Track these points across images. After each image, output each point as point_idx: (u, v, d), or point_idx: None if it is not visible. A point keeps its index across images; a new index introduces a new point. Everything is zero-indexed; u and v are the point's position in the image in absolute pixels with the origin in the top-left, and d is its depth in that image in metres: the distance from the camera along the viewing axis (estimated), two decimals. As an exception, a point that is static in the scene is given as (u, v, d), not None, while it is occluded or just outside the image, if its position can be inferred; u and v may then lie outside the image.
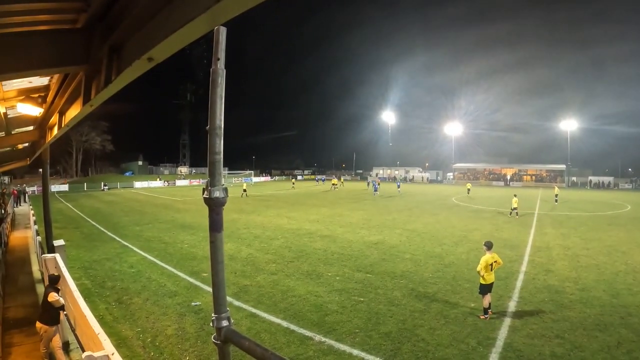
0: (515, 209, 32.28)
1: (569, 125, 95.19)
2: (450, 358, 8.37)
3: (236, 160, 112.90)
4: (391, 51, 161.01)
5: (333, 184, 67.89)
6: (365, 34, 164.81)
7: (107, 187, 69.68)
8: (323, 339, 9.20)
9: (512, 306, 11.44)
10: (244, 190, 52.09)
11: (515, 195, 34.13)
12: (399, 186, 63.17)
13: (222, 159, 2.82)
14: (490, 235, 22.74)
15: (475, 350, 8.71)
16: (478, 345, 8.97)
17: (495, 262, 10.83)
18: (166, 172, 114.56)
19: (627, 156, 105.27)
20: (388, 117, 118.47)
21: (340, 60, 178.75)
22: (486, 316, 10.46)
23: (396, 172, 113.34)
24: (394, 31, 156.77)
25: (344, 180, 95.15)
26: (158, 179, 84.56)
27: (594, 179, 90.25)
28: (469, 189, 59.46)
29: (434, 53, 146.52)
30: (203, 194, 2.78)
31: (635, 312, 11.05)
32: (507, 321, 10.35)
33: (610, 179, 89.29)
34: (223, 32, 2.75)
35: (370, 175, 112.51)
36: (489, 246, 11.12)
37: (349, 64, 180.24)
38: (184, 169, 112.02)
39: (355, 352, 8.61)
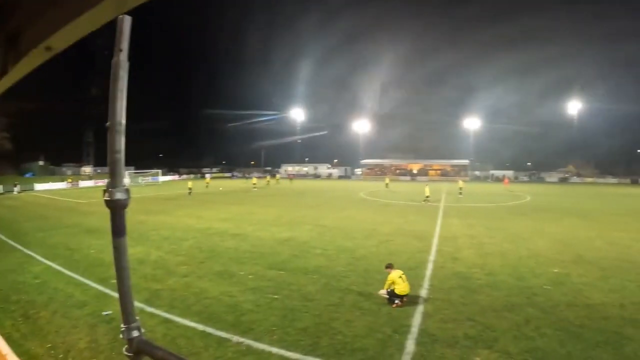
0: (428, 197, 37.71)
1: (472, 123, 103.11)
2: (369, 348, 8.59)
3: (142, 159, 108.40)
4: (297, 48, 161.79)
5: (253, 184, 64.23)
6: (266, 27, 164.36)
7: (17, 188, 63.12)
8: (241, 340, 9.08)
9: (423, 294, 11.99)
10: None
11: (427, 185, 41.02)
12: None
13: (123, 158, 2.68)
14: (399, 227, 23.83)
15: (391, 338, 9.03)
16: (394, 333, 9.31)
17: (403, 274, 11.26)
18: (69, 172, 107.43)
19: (526, 151, 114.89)
20: (296, 114, 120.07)
21: (248, 56, 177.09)
22: (398, 302, 10.87)
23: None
24: (307, 25, 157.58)
25: (279, 178, 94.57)
26: (69, 180, 78.62)
27: (496, 172, 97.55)
28: (387, 184, 62.94)
29: (340, 45, 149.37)
30: (104, 196, 2.64)
31: (540, 292, 12.07)
32: (420, 308, 10.84)
33: (511, 172, 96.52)
34: (127, 21, 2.62)
35: (278, 172, 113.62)
36: (390, 267, 11.66)
37: (255, 61, 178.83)
38: (87, 169, 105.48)
39: (274, 350, 8.59)
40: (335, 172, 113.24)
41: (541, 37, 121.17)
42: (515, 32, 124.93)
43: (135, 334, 2.67)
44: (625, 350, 8.37)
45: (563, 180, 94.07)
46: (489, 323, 9.74)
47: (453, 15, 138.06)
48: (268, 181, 72.95)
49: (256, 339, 9.10)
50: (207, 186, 64.14)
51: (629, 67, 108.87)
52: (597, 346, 8.55)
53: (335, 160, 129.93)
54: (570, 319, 10.02)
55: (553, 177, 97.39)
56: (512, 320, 9.93)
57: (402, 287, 10.93)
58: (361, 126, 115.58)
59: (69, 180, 79.27)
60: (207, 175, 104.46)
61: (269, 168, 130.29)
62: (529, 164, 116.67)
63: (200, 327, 9.83)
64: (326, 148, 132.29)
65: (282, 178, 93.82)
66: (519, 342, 8.77)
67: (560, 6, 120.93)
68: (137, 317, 2.62)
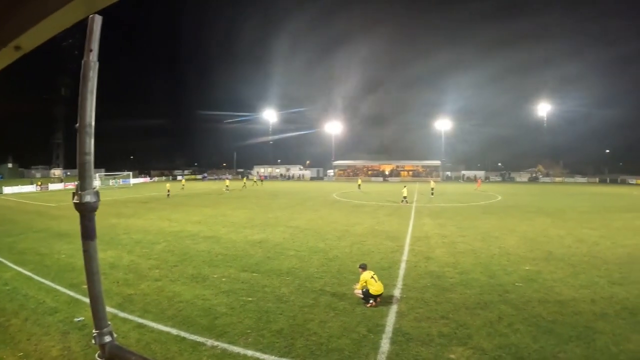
0: (405, 197, 38.40)
1: (444, 124, 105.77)
2: (344, 348, 8.62)
3: (113, 162, 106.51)
4: (269, 49, 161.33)
5: (226, 186, 64.16)
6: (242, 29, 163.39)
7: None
8: (215, 343, 9.00)
9: (397, 293, 12.12)
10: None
11: (405, 186, 42.02)
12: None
13: (92, 160, 2.63)
14: (371, 228, 24.02)
15: (366, 338, 9.08)
16: (369, 332, 9.37)
17: (374, 275, 11.38)
18: (38, 175, 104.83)
19: (496, 152, 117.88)
20: (269, 115, 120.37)
21: (220, 57, 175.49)
22: (372, 302, 10.96)
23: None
24: (271, 23, 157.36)
25: (256, 179, 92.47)
26: (39, 183, 75.96)
27: (467, 173, 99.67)
28: (359, 185, 63.92)
29: (312, 47, 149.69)
30: (73, 199, 2.57)
31: (512, 289, 12.34)
32: (394, 308, 10.94)
33: (482, 172, 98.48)
34: (98, 20, 2.57)
35: (251, 173, 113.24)
36: (364, 267, 11.73)
37: (227, 63, 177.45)
38: (57, 171, 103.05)
39: (249, 352, 8.54)
40: (308, 173, 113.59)
41: (512, 43, 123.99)
42: (487, 37, 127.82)
43: (107, 339, 2.61)
44: (597, 344, 8.60)
45: (533, 180, 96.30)
46: (463, 320, 9.90)
47: (426, 19, 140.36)
48: (244, 183, 72.55)
49: (231, 342, 9.03)
50: (182, 188, 63.48)
51: (598, 70, 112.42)
52: (569, 340, 8.78)
53: (308, 162, 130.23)
54: (542, 314, 10.26)
55: (523, 177, 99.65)
56: (486, 317, 10.12)
57: (375, 287, 11.01)
58: (333, 127, 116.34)
59: (39, 183, 77.00)
60: (179, 177, 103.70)
61: (241, 170, 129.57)
62: (499, 164, 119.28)
63: (175, 331, 9.71)
64: (298, 149, 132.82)
65: (258, 180, 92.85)
66: (493, 338, 8.94)
67: (530, 13, 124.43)
68: (109, 322, 2.57)
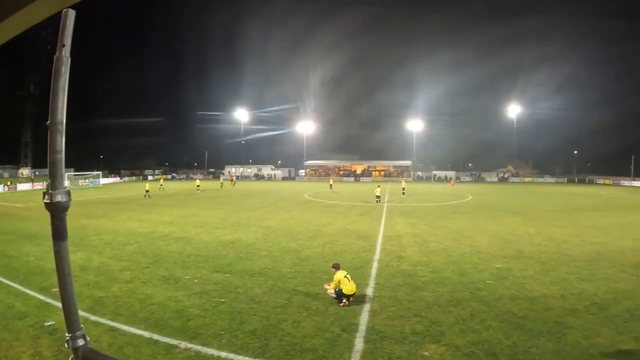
0: (378, 197, 38.81)
1: (415, 125, 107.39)
2: (318, 348, 8.65)
3: (82, 161, 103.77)
4: (239, 48, 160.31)
5: (197, 186, 63.16)
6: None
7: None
8: (189, 345, 8.91)
9: (370, 292, 12.22)
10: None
11: (378, 186, 42.26)
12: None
13: (63, 159, 2.58)
14: (343, 228, 24.16)
15: (340, 337, 9.13)
16: (342, 332, 9.42)
17: (347, 274, 11.44)
18: (6, 174, 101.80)
19: (467, 153, 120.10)
20: (240, 115, 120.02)
21: (190, 56, 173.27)
22: (345, 301, 11.03)
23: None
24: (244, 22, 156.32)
25: (235, 180, 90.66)
26: (8, 183, 73.29)
27: (438, 173, 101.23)
28: (331, 185, 64.27)
29: (282, 46, 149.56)
30: (43, 199, 2.52)
31: (483, 286, 12.58)
32: (367, 306, 11.04)
33: (452, 173, 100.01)
34: (72, 15, 2.52)
35: (224, 174, 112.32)
36: (337, 267, 11.76)
37: (198, 61, 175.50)
38: (25, 171, 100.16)
39: (223, 354, 8.50)
40: (279, 173, 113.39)
41: (483, 47, 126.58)
42: (460, 40, 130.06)
43: (80, 342, 2.55)
44: (567, 339, 8.84)
45: (503, 180, 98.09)
46: (436, 318, 10.05)
47: (398, 18, 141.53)
48: (222, 183, 71.84)
49: (204, 344, 8.97)
50: (160, 187, 62.35)
51: (567, 74, 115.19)
52: (540, 336, 8.99)
53: (279, 162, 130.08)
54: (513, 311, 10.49)
55: (493, 177, 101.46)
56: (458, 314, 10.30)
57: (348, 287, 11.07)
58: (305, 127, 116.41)
59: (7, 183, 74.78)
60: (150, 177, 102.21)
61: (213, 170, 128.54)
62: (470, 164, 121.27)
63: (147, 334, 9.57)
64: (270, 149, 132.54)
65: (234, 180, 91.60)
66: (465, 335, 9.10)
67: (500, 18, 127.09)
68: (82, 325, 2.53)
